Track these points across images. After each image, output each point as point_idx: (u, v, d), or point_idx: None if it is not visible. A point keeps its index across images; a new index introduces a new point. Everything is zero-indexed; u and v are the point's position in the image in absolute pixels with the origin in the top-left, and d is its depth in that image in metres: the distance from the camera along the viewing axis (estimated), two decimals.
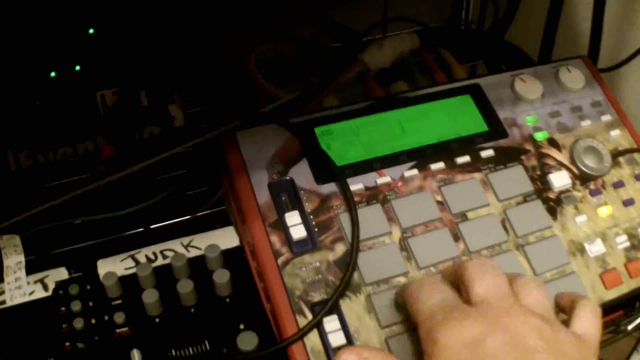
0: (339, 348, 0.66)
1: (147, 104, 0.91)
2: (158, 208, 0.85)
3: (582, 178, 0.82)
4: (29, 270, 0.75)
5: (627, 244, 0.80)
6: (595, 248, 0.78)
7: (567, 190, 0.80)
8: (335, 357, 0.60)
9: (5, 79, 0.87)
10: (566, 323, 0.62)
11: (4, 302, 0.73)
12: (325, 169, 0.75)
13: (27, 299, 0.73)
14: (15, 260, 0.76)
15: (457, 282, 0.63)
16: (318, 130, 0.78)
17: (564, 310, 0.65)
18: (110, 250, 0.79)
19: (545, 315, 0.59)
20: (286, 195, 0.74)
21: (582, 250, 0.77)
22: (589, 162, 0.82)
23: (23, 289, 0.74)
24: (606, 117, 0.87)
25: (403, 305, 0.67)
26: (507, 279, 0.62)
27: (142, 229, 0.87)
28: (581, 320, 0.62)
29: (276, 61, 1.00)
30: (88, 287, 0.74)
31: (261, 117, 0.81)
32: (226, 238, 0.78)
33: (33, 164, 0.89)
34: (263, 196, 0.73)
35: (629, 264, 0.78)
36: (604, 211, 0.81)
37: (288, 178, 0.75)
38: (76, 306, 0.72)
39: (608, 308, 0.76)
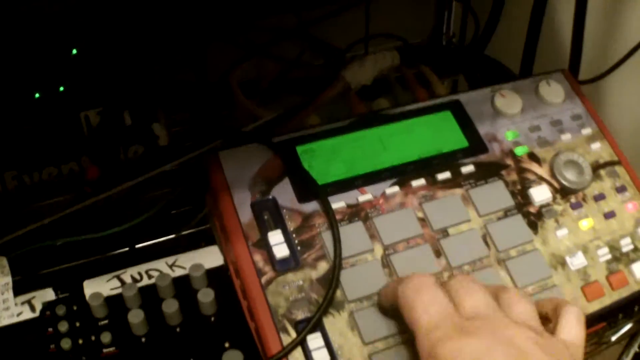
0: None
1: (130, 123, 0.91)
2: (143, 227, 0.86)
3: (563, 191, 0.82)
4: (16, 292, 0.76)
5: (609, 256, 0.80)
6: (577, 261, 0.79)
7: (548, 204, 0.81)
8: None
9: None
10: (551, 330, 0.63)
11: None
12: (307, 188, 0.76)
13: (15, 320, 0.74)
14: (3, 281, 0.76)
15: None
16: (300, 149, 0.79)
17: (547, 316, 0.66)
18: (97, 270, 0.79)
19: (533, 325, 0.60)
20: (269, 214, 0.74)
21: (563, 264, 0.78)
22: (569, 176, 0.83)
23: (11, 310, 0.74)
24: (586, 130, 0.88)
25: (386, 310, 0.69)
26: (491, 293, 0.63)
27: (127, 249, 0.88)
28: (567, 328, 0.63)
29: (259, 80, 1.01)
30: (75, 308, 0.75)
31: (243, 137, 0.81)
32: (210, 257, 0.79)
33: (19, 185, 0.89)
34: (246, 215, 0.74)
35: (611, 276, 0.79)
36: (585, 224, 0.81)
37: (271, 197, 0.75)
38: (63, 327, 0.73)
39: (590, 320, 0.76)
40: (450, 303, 0.61)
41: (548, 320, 0.66)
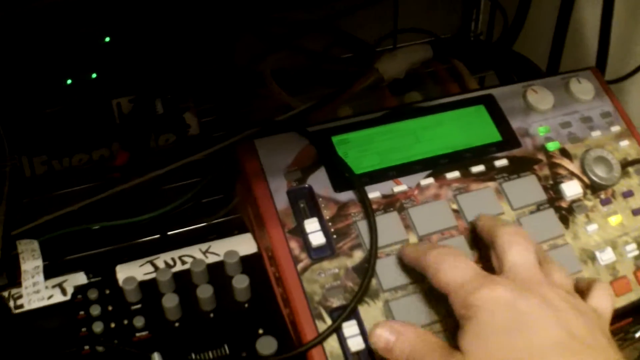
0: (357, 353, 0.67)
1: (162, 111, 0.92)
2: (173, 215, 0.86)
3: (593, 187, 0.83)
4: (47, 276, 0.76)
5: (637, 252, 0.81)
6: (606, 256, 0.79)
7: (579, 200, 0.82)
8: (369, 332, 0.65)
9: (22, 86, 0.87)
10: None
11: (21, 305, 0.74)
12: (343, 177, 0.76)
13: (45, 303, 0.74)
14: (33, 264, 0.76)
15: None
16: (335, 139, 0.80)
17: (582, 292, 0.67)
18: (126, 256, 0.79)
19: (567, 289, 0.64)
20: (304, 202, 0.75)
21: (593, 258, 0.79)
22: (599, 172, 0.83)
23: (41, 293, 0.74)
24: (615, 128, 0.88)
25: (407, 269, 0.71)
26: (535, 254, 0.66)
27: (158, 236, 0.88)
28: (596, 297, 0.66)
29: (288, 71, 1.01)
30: (107, 292, 0.75)
31: (280, 126, 0.82)
32: (243, 244, 0.79)
33: (48, 170, 0.89)
34: (282, 203, 0.75)
35: (638, 272, 0.79)
36: (614, 220, 0.82)
37: (306, 185, 0.76)
38: (95, 310, 0.73)
39: (618, 315, 0.76)
40: (475, 264, 0.64)
41: (582, 296, 0.67)
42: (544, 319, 0.58)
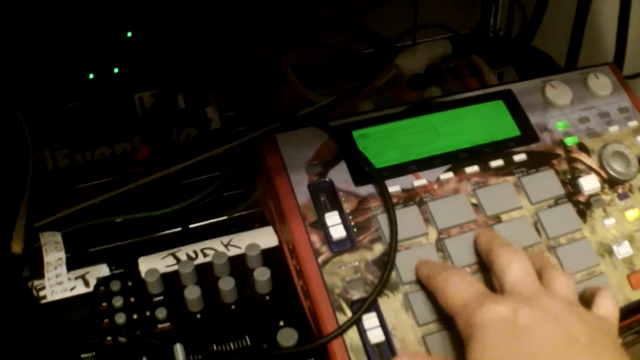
0: (377, 345, 0.68)
1: (184, 106, 0.93)
2: (195, 208, 0.87)
3: (610, 182, 0.83)
4: (70, 268, 0.77)
5: None
6: (623, 250, 0.80)
7: (596, 194, 0.82)
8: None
9: (45, 80, 0.88)
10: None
11: (44, 297, 0.75)
12: (363, 171, 0.77)
13: (68, 294, 0.75)
14: (56, 256, 0.77)
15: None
16: (355, 134, 0.80)
17: (587, 301, 0.68)
18: (147, 249, 0.80)
19: (570, 299, 0.65)
20: (325, 196, 0.76)
21: (610, 252, 0.79)
22: (617, 167, 0.84)
23: (64, 284, 0.75)
24: (633, 123, 0.89)
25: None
26: (533, 269, 0.67)
27: (180, 229, 0.89)
28: (601, 304, 0.66)
29: (308, 66, 1.02)
30: (129, 284, 0.76)
31: (301, 120, 0.83)
32: (264, 237, 0.80)
33: (70, 163, 0.90)
34: (303, 197, 0.75)
35: None
36: (631, 214, 0.82)
37: (327, 179, 0.77)
38: (118, 302, 0.74)
39: (635, 308, 0.77)
40: (479, 283, 0.66)
41: (587, 305, 0.68)
42: (544, 326, 0.59)
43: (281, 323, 0.72)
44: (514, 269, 0.65)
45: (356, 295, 0.71)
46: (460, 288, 0.65)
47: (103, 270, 0.77)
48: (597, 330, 0.60)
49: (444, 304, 0.66)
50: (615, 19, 1.02)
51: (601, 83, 0.91)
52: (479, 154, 0.82)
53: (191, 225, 0.89)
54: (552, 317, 0.60)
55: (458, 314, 0.63)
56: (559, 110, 0.87)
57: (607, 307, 0.66)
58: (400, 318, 0.70)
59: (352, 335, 0.69)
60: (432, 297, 0.70)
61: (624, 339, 0.82)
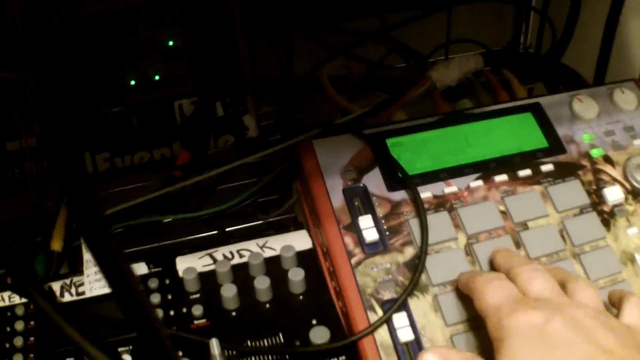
0: (407, 343, 0.71)
1: (222, 114, 0.95)
2: (230, 213, 0.89)
3: (634, 193, 0.85)
4: None
5: None
6: None
7: (620, 204, 0.84)
8: (418, 356, 0.66)
9: (87, 85, 0.91)
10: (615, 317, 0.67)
11: (83, 293, 0.78)
12: (396, 177, 0.80)
13: (106, 290, 0.77)
14: None
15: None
16: (389, 142, 0.83)
17: (614, 305, 0.70)
18: (185, 250, 0.83)
19: (596, 307, 0.65)
20: (359, 200, 0.79)
21: (632, 260, 0.81)
22: None
23: (102, 281, 0.78)
24: None
25: (463, 295, 0.72)
26: (558, 279, 0.68)
27: (216, 232, 0.92)
28: (629, 312, 0.67)
29: (344, 77, 1.04)
30: (167, 282, 0.79)
31: (337, 128, 0.86)
32: (299, 240, 0.83)
33: (110, 167, 0.93)
34: (338, 200, 0.78)
35: None
36: None
37: (361, 184, 0.80)
38: (155, 299, 0.77)
39: None
40: (517, 289, 0.67)
41: (614, 308, 0.70)
42: (573, 338, 0.60)
43: (314, 321, 0.75)
44: (538, 283, 0.67)
45: (387, 295, 0.73)
46: (497, 291, 0.66)
47: (142, 268, 0.80)
48: (626, 341, 0.61)
49: (478, 306, 0.67)
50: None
51: (627, 98, 0.93)
52: (508, 163, 0.84)
53: (227, 229, 0.92)
54: (582, 327, 0.60)
55: (491, 315, 0.64)
56: (586, 123, 0.89)
57: (635, 316, 0.66)
58: (429, 318, 0.72)
59: (382, 333, 0.71)
60: (460, 299, 0.73)
61: None
